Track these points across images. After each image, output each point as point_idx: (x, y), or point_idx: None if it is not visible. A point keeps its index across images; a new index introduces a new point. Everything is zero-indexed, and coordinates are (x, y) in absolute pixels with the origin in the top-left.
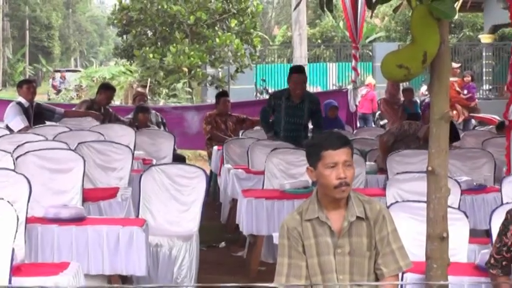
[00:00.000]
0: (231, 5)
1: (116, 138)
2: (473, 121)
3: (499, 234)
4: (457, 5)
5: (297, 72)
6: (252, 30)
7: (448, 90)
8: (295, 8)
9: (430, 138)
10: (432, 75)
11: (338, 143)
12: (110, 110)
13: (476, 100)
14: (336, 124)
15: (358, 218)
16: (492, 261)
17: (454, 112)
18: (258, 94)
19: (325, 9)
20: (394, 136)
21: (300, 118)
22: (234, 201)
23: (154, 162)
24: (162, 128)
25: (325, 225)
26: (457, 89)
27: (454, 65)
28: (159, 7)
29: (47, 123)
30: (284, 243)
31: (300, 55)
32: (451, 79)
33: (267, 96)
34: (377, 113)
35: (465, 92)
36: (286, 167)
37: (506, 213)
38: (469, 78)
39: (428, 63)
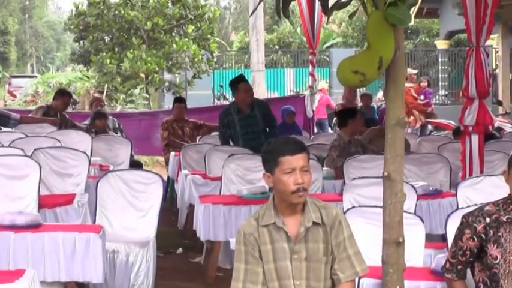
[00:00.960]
0: (188, 11)
1: (73, 144)
2: (429, 126)
3: (454, 239)
4: (414, 11)
5: (243, 81)
6: (209, 36)
7: (404, 95)
8: (251, 14)
9: (386, 143)
10: (387, 81)
11: (295, 149)
12: (67, 116)
13: (433, 105)
14: (293, 130)
15: (314, 223)
16: (448, 265)
17: (412, 118)
18: (216, 100)
19: (282, 15)
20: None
21: (256, 126)
22: (191, 207)
23: (111, 168)
24: (119, 133)
25: (282, 230)
26: (414, 94)
27: (411, 70)
28: (116, 13)
29: (3, 129)
30: (241, 249)
31: (257, 61)
32: (408, 85)
33: (225, 102)
34: (334, 119)
35: (422, 97)
36: (244, 172)
37: (462, 217)
38: (426, 84)
39: (384, 69)
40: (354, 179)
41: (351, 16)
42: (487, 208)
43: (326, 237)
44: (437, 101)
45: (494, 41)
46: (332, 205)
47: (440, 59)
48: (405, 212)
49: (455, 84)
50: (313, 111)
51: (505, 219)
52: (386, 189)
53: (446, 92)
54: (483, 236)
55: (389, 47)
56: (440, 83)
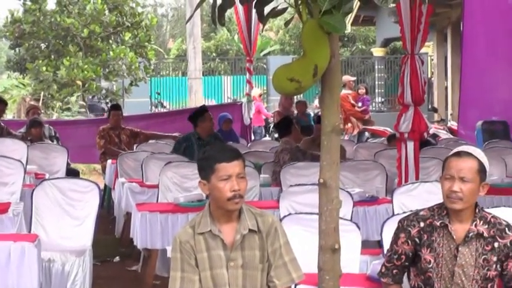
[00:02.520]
0: (125, 18)
1: (8, 152)
2: (366, 133)
3: (390, 243)
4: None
5: (208, 110)
6: (146, 44)
7: (339, 103)
8: (187, 21)
9: (322, 150)
10: (323, 89)
11: (231, 156)
12: (2, 124)
13: (370, 113)
14: (231, 137)
15: (250, 230)
16: (383, 269)
17: (349, 125)
18: (153, 107)
19: (218, 23)
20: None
21: None
22: (128, 215)
23: (47, 176)
24: (55, 141)
25: (218, 238)
26: (352, 101)
27: (350, 78)
28: (52, 20)
29: None
30: (177, 257)
31: (195, 68)
32: (346, 92)
33: (162, 110)
34: (271, 126)
35: (360, 104)
36: (181, 180)
37: (398, 222)
38: (364, 91)
39: (319, 76)
40: (291, 186)
41: (286, 24)
42: (422, 213)
43: (262, 244)
44: (373, 108)
45: (429, 49)
46: (268, 212)
47: (376, 67)
48: (341, 218)
49: (391, 91)
50: (250, 118)
51: (438, 224)
52: (322, 196)
53: (383, 99)
54: (417, 240)
55: (325, 54)
56: (376, 90)
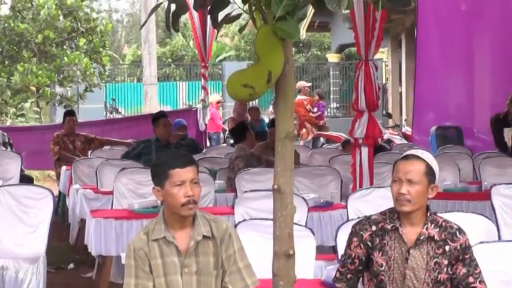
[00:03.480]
0: (79, 24)
1: None
2: (321, 139)
3: (345, 248)
4: (305, 25)
5: (164, 116)
6: (101, 49)
7: (293, 109)
8: (141, 27)
9: (276, 156)
10: (277, 95)
11: (185, 162)
12: None
13: (325, 118)
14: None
15: (204, 237)
16: (338, 274)
17: (304, 130)
18: (108, 113)
19: (172, 29)
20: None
21: None
22: (82, 222)
23: (0, 183)
24: (8, 148)
25: (172, 244)
26: (308, 107)
27: (305, 83)
28: (6, 25)
29: None
30: (131, 264)
31: (150, 74)
32: (302, 98)
33: (117, 115)
34: (226, 132)
35: (315, 110)
36: (135, 186)
37: (352, 227)
38: (318, 97)
39: (273, 82)
40: (246, 192)
41: (240, 30)
42: (374, 217)
43: (216, 250)
44: (328, 114)
45: (384, 55)
46: (222, 218)
47: (331, 72)
48: (296, 224)
49: (346, 97)
50: (205, 124)
51: (389, 227)
52: (276, 202)
53: (338, 105)
54: (369, 243)
55: (278, 60)
56: (331, 96)
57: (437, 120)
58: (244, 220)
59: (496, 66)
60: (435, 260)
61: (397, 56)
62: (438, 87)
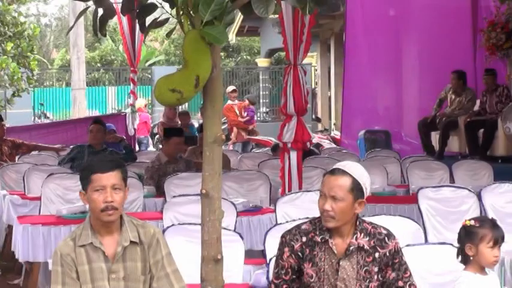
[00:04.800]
0: (7, 28)
1: None
2: (251, 143)
3: (276, 260)
4: (235, 30)
5: (97, 122)
6: (29, 54)
7: (221, 113)
8: (68, 31)
9: (204, 161)
10: (205, 100)
11: (107, 167)
12: None
13: (256, 123)
14: (119, 148)
15: (132, 242)
16: (272, 287)
17: (233, 135)
18: (36, 118)
19: (99, 33)
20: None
21: None
22: (10, 228)
23: None
24: None
25: (99, 250)
26: (237, 111)
27: (233, 88)
28: None
29: None
30: (57, 270)
31: (79, 78)
32: (232, 102)
33: (46, 121)
34: (156, 136)
35: (245, 114)
36: (64, 192)
37: (281, 236)
38: (248, 102)
39: (201, 87)
40: (175, 196)
41: (168, 34)
42: (304, 226)
43: (144, 256)
44: (258, 118)
45: (313, 59)
46: (150, 224)
47: (261, 77)
48: (224, 229)
49: (275, 101)
50: (134, 129)
51: (319, 239)
52: (204, 207)
53: (267, 109)
54: (300, 254)
55: (206, 65)
56: (261, 101)
57: (365, 124)
58: (173, 225)
59: (423, 71)
60: (365, 268)
61: (326, 61)
62: (366, 92)
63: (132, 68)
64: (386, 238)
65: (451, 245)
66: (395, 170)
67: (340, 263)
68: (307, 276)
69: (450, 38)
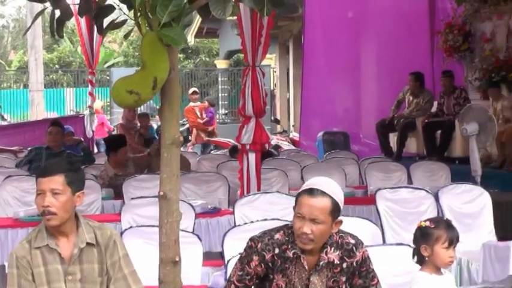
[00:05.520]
0: None
1: None
2: (211, 145)
3: (241, 261)
4: (193, 31)
5: (54, 124)
6: None
7: (178, 115)
8: (25, 33)
9: (162, 163)
10: (163, 101)
11: (48, 171)
12: None
13: (216, 124)
14: (77, 150)
15: (88, 244)
16: (232, 287)
17: (192, 136)
18: None
19: (56, 35)
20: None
21: None
22: None
23: None
24: None
25: (55, 252)
26: (198, 113)
27: (195, 90)
28: None
29: None
30: (13, 273)
31: (36, 80)
32: (193, 104)
33: (3, 122)
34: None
35: (204, 116)
36: (21, 194)
37: (251, 240)
38: (208, 103)
39: (159, 89)
40: (133, 198)
41: (126, 36)
42: (277, 237)
43: (101, 257)
44: (218, 120)
45: (272, 61)
46: (107, 225)
47: (220, 79)
48: (182, 230)
49: (234, 103)
50: (92, 131)
51: (291, 254)
52: (162, 209)
53: (226, 111)
54: (270, 264)
55: (164, 67)
56: (220, 102)
57: (324, 126)
58: (131, 227)
59: (381, 73)
60: (333, 279)
61: (285, 62)
62: (325, 93)
63: (90, 70)
64: (354, 248)
65: (409, 245)
66: (353, 171)
67: (311, 279)
68: (276, 286)
69: (408, 40)
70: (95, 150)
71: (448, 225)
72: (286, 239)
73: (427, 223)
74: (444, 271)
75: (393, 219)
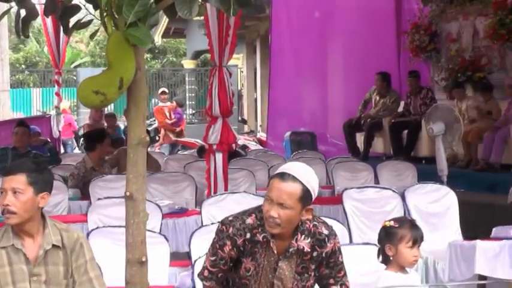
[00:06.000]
0: None
1: None
2: (178, 145)
3: (213, 246)
4: (160, 31)
5: (20, 125)
6: None
7: (145, 115)
8: None
9: (128, 163)
10: (129, 101)
11: (10, 169)
12: None
13: (184, 125)
14: (43, 151)
15: (54, 246)
16: (207, 273)
17: (160, 136)
18: None
19: (22, 34)
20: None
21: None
22: None
23: None
24: None
25: (20, 252)
26: (167, 113)
27: (163, 90)
28: None
29: None
30: None
31: (2, 80)
32: (163, 104)
33: None
34: (81, 139)
35: (173, 116)
36: None
37: (223, 224)
38: (176, 104)
39: (125, 89)
40: (99, 199)
41: (92, 36)
42: (248, 221)
43: (66, 260)
44: (185, 120)
45: (239, 61)
46: (74, 228)
47: (187, 79)
48: (149, 231)
49: (202, 103)
50: (59, 131)
51: (261, 238)
52: (128, 209)
53: (194, 111)
54: (241, 248)
55: (130, 67)
56: (187, 102)
57: (291, 126)
58: (98, 227)
59: (348, 73)
60: (302, 265)
61: (252, 62)
62: (292, 93)
63: (56, 70)
64: (326, 239)
65: (375, 245)
66: (320, 171)
67: (279, 264)
68: (245, 270)
69: (375, 40)
70: (62, 150)
71: (412, 225)
72: (258, 223)
73: (392, 223)
74: (409, 270)
75: (360, 218)
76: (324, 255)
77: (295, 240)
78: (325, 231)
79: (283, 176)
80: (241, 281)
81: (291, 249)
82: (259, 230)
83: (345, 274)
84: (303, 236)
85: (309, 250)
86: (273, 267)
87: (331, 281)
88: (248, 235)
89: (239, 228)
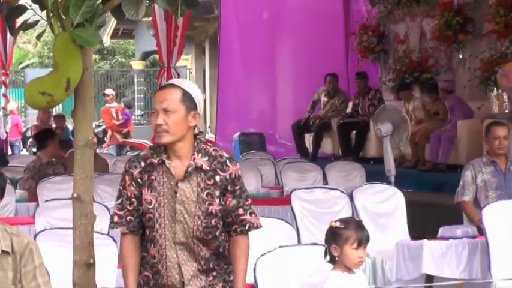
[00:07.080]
0: None
1: None
2: (127, 146)
3: (118, 190)
4: (109, 32)
5: None
6: None
7: (92, 116)
8: None
9: (75, 164)
10: (76, 102)
11: None
12: None
13: (132, 126)
14: None
15: (3, 252)
16: (116, 219)
17: (107, 137)
18: None
19: None
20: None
21: None
22: None
23: None
24: None
25: None
26: (114, 114)
27: (111, 91)
28: None
29: None
30: None
31: None
32: (110, 105)
33: None
34: (29, 140)
35: (120, 117)
36: None
37: (124, 166)
38: (124, 105)
39: (72, 90)
40: (47, 200)
41: (38, 37)
42: (143, 153)
43: (15, 265)
44: (134, 121)
45: (188, 62)
46: (25, 233)
47: (136, 80)
48: (97, 232)
49: (151, 104)
50: (6, 132)
51: (156, 161)
52: (76, 211)
53: (142, 112)
54: (139, 181)
55: (77, 68)
56: (136, 103)
57: (240, 127)
58: (45, 229)
59: (297, 74)
60: (207, 191)
61: (201, 63)
62: (241, 94)
63: (4, 71)
64: (227, 161)
65: (323, 245)
66: (269, 171)
67: (179, 185)
68: (146, 203)
69: (323, 41)
70: (9, 151)
71: (358, 226)
72: (152, 151)
73: (337, 223)
74: (356, 270)
75: (308, 219)
76: (228, 177)
77: (193, 160)
78: (226, 155)
79: (163, 86)
80: (146, 217)
81: (189, 169)
82: (154, 156)
83: (251, 203)
84: (200, 154)
85: (211, 173)
86: (173, 191)
87: (240, 210)
88: (143, 163)
89: (133, 160)
